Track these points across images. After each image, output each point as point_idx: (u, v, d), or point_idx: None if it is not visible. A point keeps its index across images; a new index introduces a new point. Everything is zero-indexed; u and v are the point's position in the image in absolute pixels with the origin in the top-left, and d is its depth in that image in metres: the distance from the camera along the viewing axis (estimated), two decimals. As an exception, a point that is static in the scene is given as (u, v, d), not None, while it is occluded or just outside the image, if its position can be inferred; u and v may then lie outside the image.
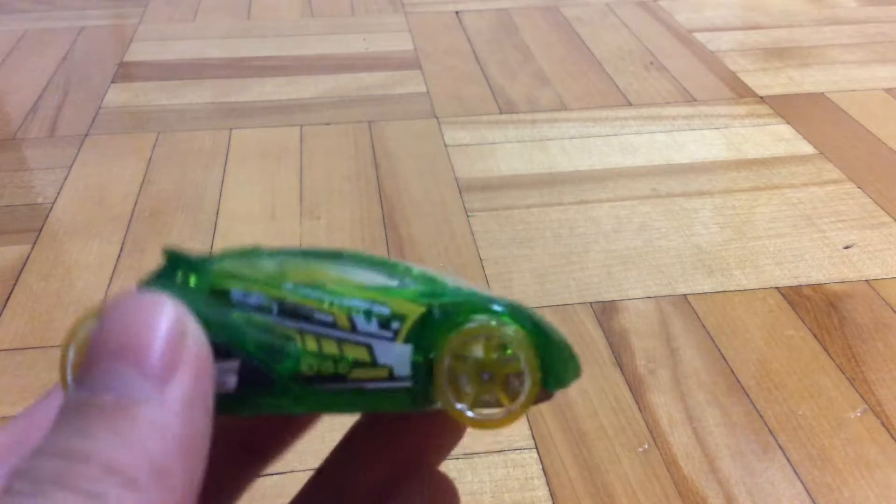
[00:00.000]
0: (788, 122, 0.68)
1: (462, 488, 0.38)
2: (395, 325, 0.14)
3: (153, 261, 0.53)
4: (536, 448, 0.39)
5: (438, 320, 0.15)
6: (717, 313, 0.47)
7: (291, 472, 0.37)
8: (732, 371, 0.43)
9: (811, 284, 0.50)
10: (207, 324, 0.14)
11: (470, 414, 0.14)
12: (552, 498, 0.37)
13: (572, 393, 0.42)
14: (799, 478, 0.38)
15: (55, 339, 0.46)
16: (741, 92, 0.73)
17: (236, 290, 0.15)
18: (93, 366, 0.12)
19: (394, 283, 0.15)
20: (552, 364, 0.14)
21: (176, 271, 0.15)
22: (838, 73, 0.76)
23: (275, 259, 0.15)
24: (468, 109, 0.71)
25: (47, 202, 0.59)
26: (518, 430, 0.40)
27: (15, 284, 0.50)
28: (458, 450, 0.35)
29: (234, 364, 0.14)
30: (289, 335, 0.14)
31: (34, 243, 0.54)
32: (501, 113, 0.70)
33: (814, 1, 0.93)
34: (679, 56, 0.80)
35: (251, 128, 0.68)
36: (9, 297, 0.49)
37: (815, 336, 0.46)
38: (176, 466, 0.12)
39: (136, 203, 0.59)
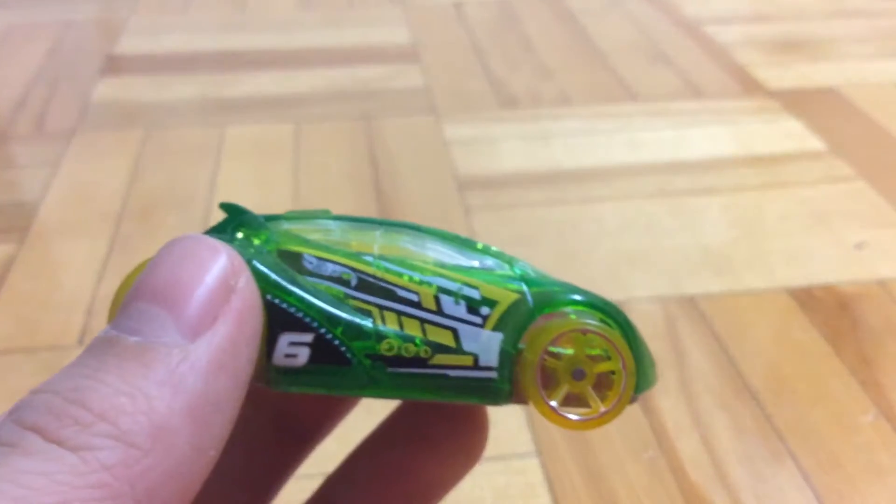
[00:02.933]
0: (799, 118, 0.67)
1: (461, 496, 0.37)
2: (484, 310, 0.13)
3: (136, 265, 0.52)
4: (539, 454, 0.38)
5: (531, 310, 0.14)
6: (725, 315, 0.46)
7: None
8: (741, 375, 0.42)
9: (822, 285, 0.49)
10: (275, 288, 0.13)
11: (570, 415, 0.13)
12: (555, 507, 0.36)
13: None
14: (808, 484, 0.37)
15: (43, 341, 0.45)
16: (750, 86, 0.72)
17: (310, 256, 0.14)
18: (128, 305, 0.12)
19: (475, 263, 0.14)
20: (642, 366, 0.14)
21: (238, 227, 0.14)
22: (850, 68, 0.75)
23: (347, 225, 0.14)
24: (468, 104, 0.70)
25: (34, 200, 0.58)
26: (520, 436, 0.39)
27: (1, 285, 0.49)
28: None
29: (308, 337, 0.13)
30: (368, 311, 0.13)
31: (21, 243, 0.53)
32: (503, 108, 0.69)
33: (823, -7, 0.92)
34: (686, 49, 0.79)
35: (244, 123, 0.67)
36: (-5, 298, 0.48)
37: (826, 338, 0.45)
38: (181, 428, 0.11)
39: (125, 201, 0.58)
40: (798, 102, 0.69)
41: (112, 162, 0.62)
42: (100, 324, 0.46)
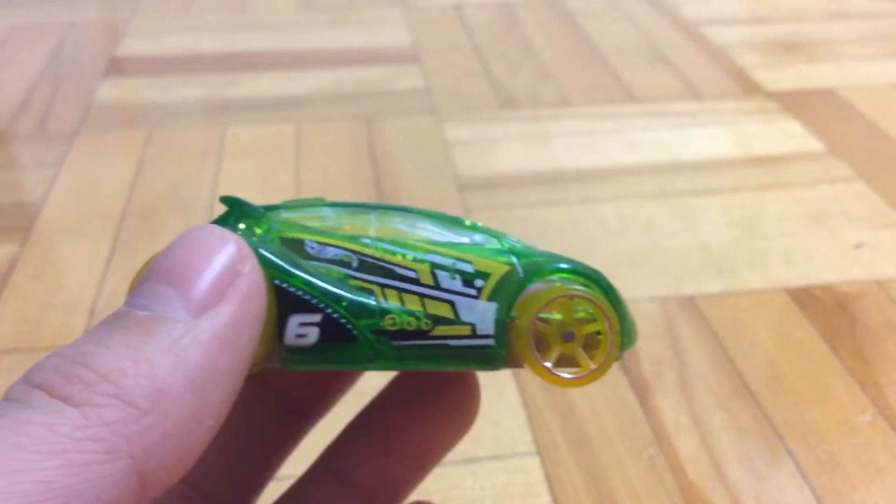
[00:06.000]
0: (797, 119, 0.67)
1: (462, 495, 0.37)
2: (478, 282, 0.14)
3: (144, 261, 0.52)
4: (539, 453, 0.38)
5: (521, 280, 0.15)
6: (724, 315, 0.46)
7: (276, 479, 0.36)
8: (740, 374, 0.43)
9: (821, 285, 0.49)
10: (282, 273, 0.14)
11: (562, 374, 0.14)
12: (555, 506, 0.36)
13: (575, 396, 0.41)
14: (807, 483, 0.37)
15: (46, 341, 0.45)
16: (749, 87, 0.72)
17: (311, 242, 0.14)
18: (141, 285, 0.13)
19: (465, 239, 0.15)
20: (625, 325, 0.15)
21: (239, 219, 0.14)
22: (849, 69, 0.75)
23: (342, 211, 0.15)
24: (468, 105, 0.70)
25: (37, 201, 0.58)
26: (520, 435, 0.39)
27: (4, 285, 0.50)
28: (457, 455, 0.34)
29: (316, 318, 0.14)
30: (370, 289, 0.14)
31: (23, 243, 0.53)
32: (503, 109, 0.69)
33: (822, -6, 0.92)
34: (685, 50, 0.79)
35: (246, 124, 0.67)
36: (-3, 298, 0.49)
37: (825, 338, 0.45)
38: (181, 395, 0.11)
39: (127, 202, 0.58)
40: (797, 103, 0.69)
41: (114, 162, 0.62)
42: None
